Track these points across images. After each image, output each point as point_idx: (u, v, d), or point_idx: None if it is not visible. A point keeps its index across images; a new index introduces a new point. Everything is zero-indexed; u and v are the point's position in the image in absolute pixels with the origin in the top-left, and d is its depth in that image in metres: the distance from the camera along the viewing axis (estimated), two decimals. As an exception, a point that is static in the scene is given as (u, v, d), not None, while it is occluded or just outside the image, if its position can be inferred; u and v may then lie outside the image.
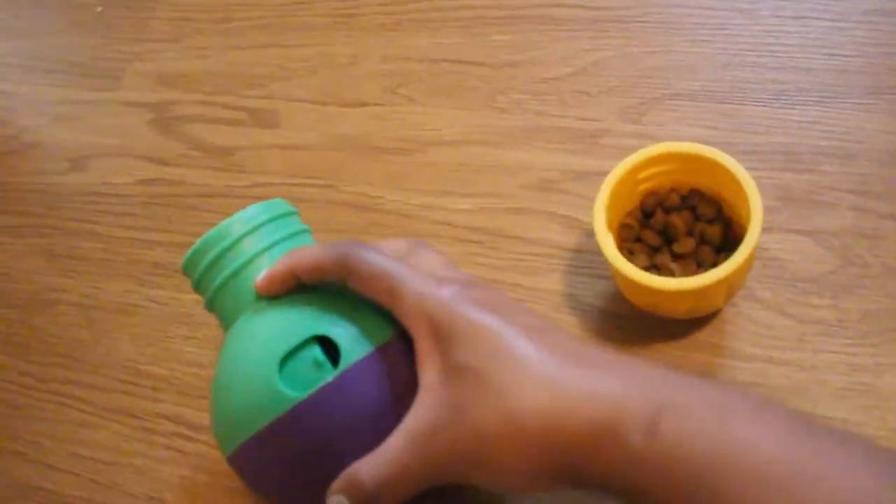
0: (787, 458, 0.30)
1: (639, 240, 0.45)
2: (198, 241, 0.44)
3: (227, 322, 0.44)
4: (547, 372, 0.33)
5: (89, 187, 0.66)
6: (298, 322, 0.40)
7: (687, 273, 0.43)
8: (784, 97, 0.53)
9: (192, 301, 0.57)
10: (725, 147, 0.51)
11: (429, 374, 0.36)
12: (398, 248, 0.42)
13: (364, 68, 0.63)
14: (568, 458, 0.33)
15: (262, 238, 0.43)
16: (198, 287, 0.45)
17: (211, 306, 0.45)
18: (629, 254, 0.45)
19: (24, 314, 0.61)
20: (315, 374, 0.38)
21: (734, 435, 0.30)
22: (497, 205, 0.55)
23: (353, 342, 0.39)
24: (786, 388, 0.44)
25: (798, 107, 0.52)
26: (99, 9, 0.75)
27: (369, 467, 0.36)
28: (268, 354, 0.39)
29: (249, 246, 0.43)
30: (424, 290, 0.36)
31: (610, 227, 0.44)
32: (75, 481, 0.53)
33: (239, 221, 0.43)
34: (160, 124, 0.66)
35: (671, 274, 0.43)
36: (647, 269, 0.44)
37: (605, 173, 0.46)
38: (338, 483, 0.37)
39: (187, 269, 0.45)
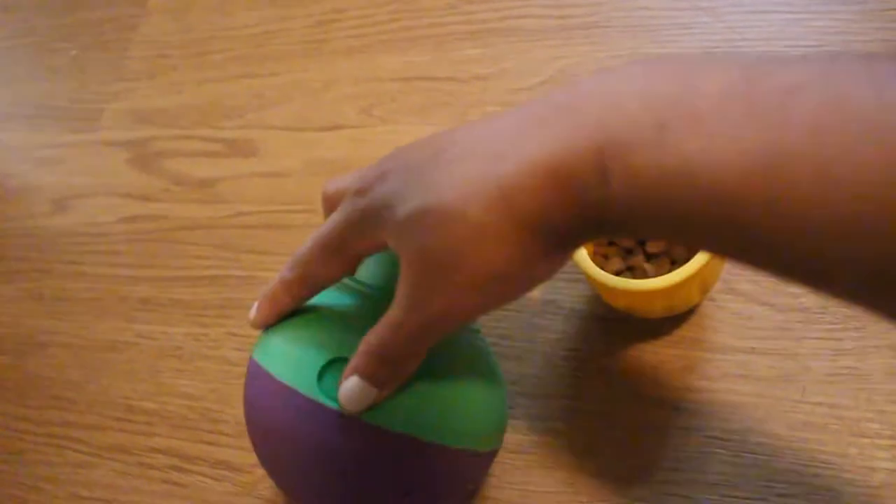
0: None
1: (612, 244, 0.46)
2: None
3: None
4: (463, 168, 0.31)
5: (74, 228, 0.66)
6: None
7: (661, 272, 0.43)
8: (751, 91, 0.53)
9: (181, 335, 0.58)
10: (696, 144, 0.52)
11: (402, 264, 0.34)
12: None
13: (337, 92, 0.64)
14: (543, 220, 0.30)
15: None
16: None
17: None
18: (604, 258, 0.45)
19: (16, 359, 0.61)
20: None
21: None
22: (475, 217, 0.55)
23: None
24: (771, 377, 0.44)
25: (765, 99, 0.53)
26: (74, 52, 0.75)
27: (373, 333, 0.36)
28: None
29: None
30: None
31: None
32: (76, 522, 0.53)
33: None
34: (140, 161, 0.67)
35: (645, 274, 0.44)
36: (621, 272, 0.44)
37: (576, 178, 0.46)
38: (352, 364, 0.36)
39: None
